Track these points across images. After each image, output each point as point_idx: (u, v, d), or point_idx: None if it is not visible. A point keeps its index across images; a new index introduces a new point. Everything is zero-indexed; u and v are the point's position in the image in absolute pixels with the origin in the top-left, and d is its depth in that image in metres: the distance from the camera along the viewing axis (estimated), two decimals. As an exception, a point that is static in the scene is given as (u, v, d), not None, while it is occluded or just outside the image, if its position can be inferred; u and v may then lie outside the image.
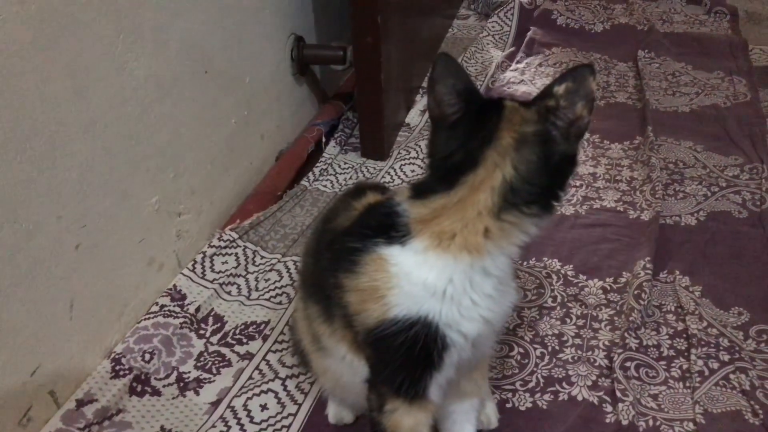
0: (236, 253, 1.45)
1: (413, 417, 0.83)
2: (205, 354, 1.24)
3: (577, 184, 1.65)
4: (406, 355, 0.79)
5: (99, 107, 1.12)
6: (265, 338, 1.27)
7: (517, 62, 2.27)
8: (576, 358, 1.20)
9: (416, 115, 2.00)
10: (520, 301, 1.31)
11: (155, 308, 1.29)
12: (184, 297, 1.33)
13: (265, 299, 1.36)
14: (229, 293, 1.37)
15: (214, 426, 1.10)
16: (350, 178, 1.74)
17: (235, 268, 1.41)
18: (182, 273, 1.37)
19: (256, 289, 1.38)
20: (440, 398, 0.84)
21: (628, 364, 1.17)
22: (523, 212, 0.76)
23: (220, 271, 1.40)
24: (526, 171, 0.75)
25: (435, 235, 0.77)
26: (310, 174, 1.74)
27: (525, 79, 2.16)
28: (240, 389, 1.17)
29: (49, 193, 1.04)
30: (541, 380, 1.16)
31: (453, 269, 0.77)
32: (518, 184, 0.75)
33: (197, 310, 1.30)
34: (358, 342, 0.84)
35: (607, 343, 1.22)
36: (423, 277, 0.78)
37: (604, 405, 1.11)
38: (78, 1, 1.05)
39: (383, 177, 1.73)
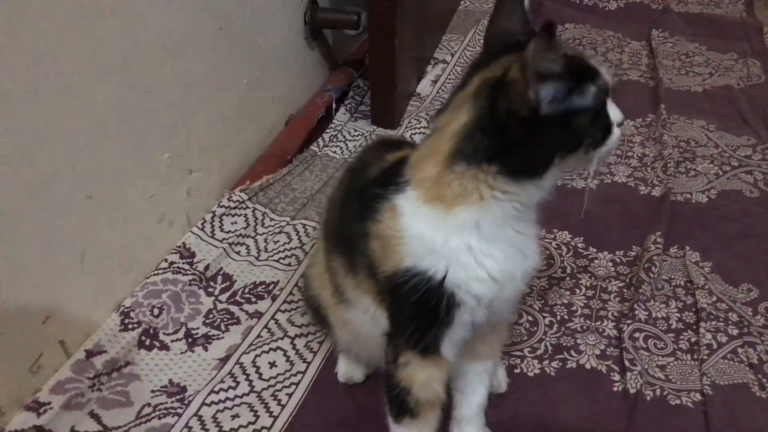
0: (245, 214, 1.44)
1: (426, 371, 0.83)
2: (214, 311, 1.24)
3: (589, 158, 1.64)
4: (419, 309, 0.79)
5: (114, 57, 1.11)
6: (274, 298, 1.27)
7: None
8: (585, 327, 1.20)
9: (427, 86, 1.98)
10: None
11: (164, 264, 1.28)
12: (193, 255, 1.32)
13: (275, 260, 1.35)
14: (238, 253, 1.36)
15: (222, 381, 1.10)
16: (360, 145, 1.73)
17: (245, 228, 1.41)
18: (191, 231, 1.36)
19: (266, 250, 1.37)
20: (454, 356, 0.84)
21: (636, 334, 1.17)
22: (482, 168, 0.74)
23: (229, 231, 1.39)
24: (477, 121, 0.74)
25: (420, 182, 0.78)
26: (320, 139, 1.73)
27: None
28: (249, 346, 1.17)
29: (63, 141, 1.03)
30: (550, 348, 1.16)
31: (443, 223, 0.77)
32: (471, 134, 0.74)
33: (206, 268, 1.30)
34: (381, 293, 0.84)
35: (616, 314, 1.22)
36: (420, 229, 0.78)
37: (611, 374, 1.11)
38: (96, -54, 1.03)
39: (394, 145, 1.72)
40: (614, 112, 0.76)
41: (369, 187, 0.84)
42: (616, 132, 0.76)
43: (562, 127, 0.72)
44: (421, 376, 0.83)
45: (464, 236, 0.77)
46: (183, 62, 1.29)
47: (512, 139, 0.73)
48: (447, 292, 0.77)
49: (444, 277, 0.77)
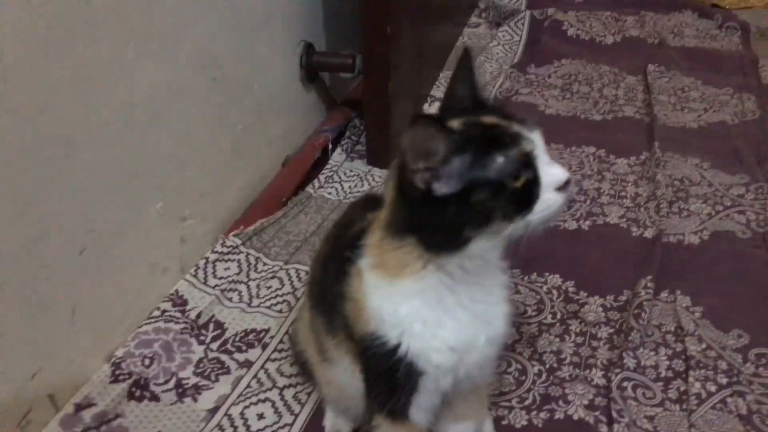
0: (239, 260, 1.46)
1: None
2: (205, 360, 1.25)
3: (581, 199, 1.65)
4: (384, 373, 0.80)
5: (107, 113, 1.14)
6: (264, 346, 1.28)
7: (527, 73, 2.26)
8: (573, 376, 1.20)
9: (423, 124, 2.00)
10: (520, 317, 1.31)
11: (157, 313, 1.30)
12: (185, 302, 1.34)
13: (266, 307, 1.36)
14: (230, 300, 1.37)
15: (210, 433, 1.11)
16: (355, 186, 1.75)
17: (237, 274, 1.42)
18: (184, 278, 1.38)
19: (257, 296, 1.39)
20: (428, 421, 0.85)
21: (625, 384, 1.17)
22: (403, 239, 0.76)
23: (222, 277, 1.41)
24: (393, 192, 0.76)
25: (370, 248, 0.80)
26: (315, 181, 1.75)
27: (533, 90, 2.17)
28: (238, 397, 1.18)
29: (56, 198, 1.05)
30: (538, 398, 1.16)
31: (390, 291, 0.78)
32: (397, 205, 0.76)
33: (198, 315, 1.31)
34: (358, 354, 0.85)
35: (605, 362, 1.22)
36: (374, 296, 0.79)
37: (599, 425, 1.11)
38: (88, 8, 1.06)
39: (388, 186, 1.74)
40: (550, 175, 0.72)
41: (347, 247, 0.86)
42: (549, 197, 0.72)
43: (462, 203, 0.71)
44: None
45: (412, 305, 0.78)
46: (177, 113, 1.32)
47: (419, 214, 0.74)
48: (406, 360, 0.78)
49: (401, 346, 0.78)
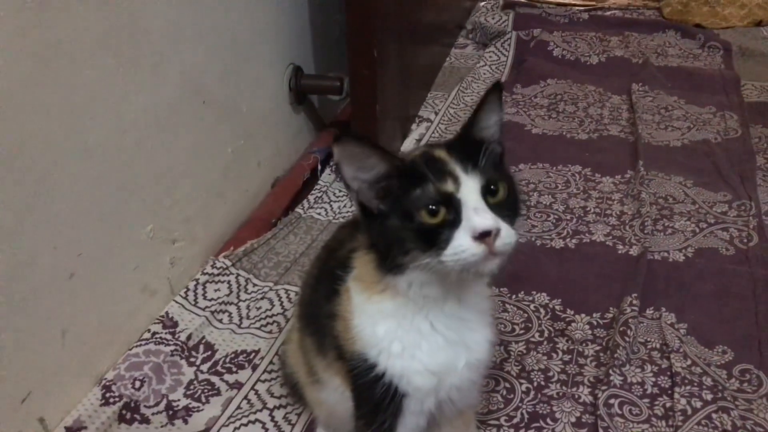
0: (229, 281, 1.47)
1: None
2: (195, 382, 1.25)
3: (568, 217, 1.68)
4: (369, 394, 0.81)
5: (97, 138, 1.15)
6: (254, 367, 1.28)
7: (513, 93, 2.30)
8: (561, 394, 1.21)
9: (411, 144, 2.02)
10: (508, 335, 1.33)
11: (147, 335, 1.31)
12: (176, 324, 1.34)
13: (256, 328, 1.37)
14: (220, 321, 1.38)
15: (201, 456, 1.11)
16: (345, 206, 1.76)
17: (227, 295, 1.43)
18: (175, 300, 1.39)
19: (248, 317, 1.39)
20: None
21: (612, 401, 1.18)
22: (371, 254, 0.78)
23: (212, 299, 1.42)
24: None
25: (357, 265, 0.82)
26: (305, 201, 1.76)
27: (519, 110, 2.20)
28: (228, 419, 1.18)
29: (45, 223, 1.06)
30: (526, 416, 1.17)
31: (368, 309, 0.80)
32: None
33: (188, 337, 1.32)
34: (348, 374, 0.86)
35: (592, 379, 1.24)
36: (357, 313, 0.81)
37: (587, 442, 1.12)
38: (78, 35, 1.08)
39: (377, 206, 1.76)
40: (469, 220, 0.70)
41: (337, 266, 0.87)
42: (462, 243, 0.69)
43: (386, 226, 0.74)
44: None
45: (389, 325, 0.79)
46: (167, 137, 1.33)
47: (372, 232, 0.77)
48: (386, 381, 0.80)
49: (380, 366, 0.80)
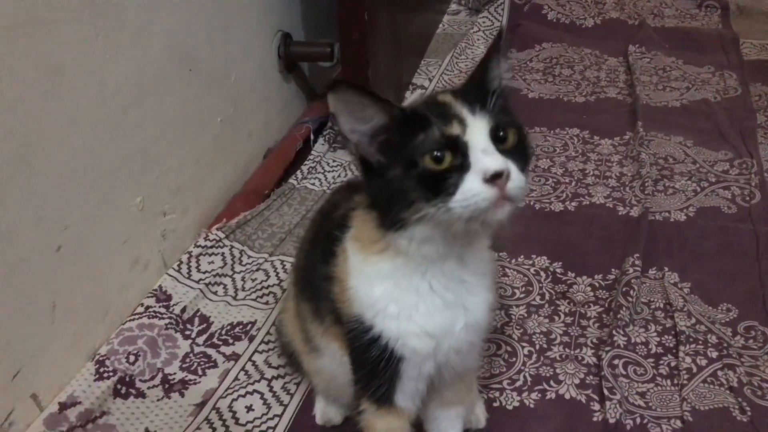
0: (222, 253, 1.44)
1: (384, 421, 0.82)
2: (191, 355, 1.23)
3: (567, 180, 1.65)
4: (366, 357, 0.78)
5: (78, 107, 1.11)
6: (251, 339, 1.26)
7: (508, 58, 2.25)
8: (564, 356, 1.19)
9: (406, 112, 1.98)
10: (509, 299, 1.30)
11: (140, 309, 1.28)
12: (169, 298, 1.31)
13: (252, 299, 1.34)
14: (215, 293, 1.35)
15: (198, 428, 1.09)
16: (339, 176, 1.73)
17: (222, 267, 1.40)
18: (168, 273, 1.36)
19: (243, 289, 1.37)
20: (415, 406, 0.84)
21: (616, 361, 1.16)
22: (371, 212, 0.75)
23: (206, 271, 1.39)
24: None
25: (355, 224, 0.79)
26: (298, 172, 1.73)
27: (515, 74, 2.16)
28: (225, 390, 1.16)
29: (27, 195, 1.02)
30: (529, 379, 1.15)
31: (366, 269, 0.77)
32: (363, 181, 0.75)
33: (183, 310, 1.29)
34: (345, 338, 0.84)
35: (595, 340, 1.22)
36: (354, 274, 0.78)
37: (591, 403, 1.10)
38: (53, 1, 1.04)
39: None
40: (478, 162, 0.66)
41: (334, 227, 0.84)
42: (472, 187, 0.65)
43: (390, 178, 0.69)
44: (380, 425, 0.82)
45: (386, 286, 0.76)
46: (152, 106, 1.29)
47: (372, 188, 0.73)
48: (382, 343, 0.77)
49: (376, 328, 0.77)
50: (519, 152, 0.70)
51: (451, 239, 0.73)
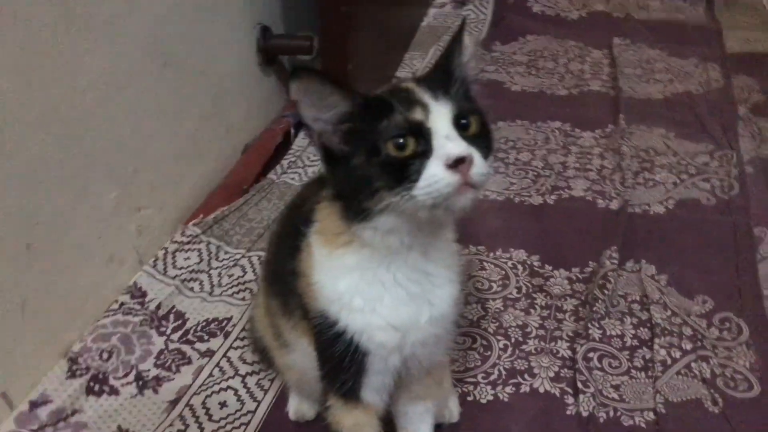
0: (199, 249, 1.43)
1: (352, 416, 0.82)
2: (166, 352, 1.22)
3: (547, 173, 1.64)
4: (331, 352, 0.77)
5: (49, 101, 1.10)
6: (226, 335, 1.25)
7: (492, 50, 2.25)
8: (539, 349, 1.19)
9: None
10: (485, 293, 1.30)
11: (115, 306, 1.27)
12: (144, 294, 1.31)
13: (228, 295, 1.34)
14: (191, 290, 1.35)
15: (171, 425, 1.08)
16: (319, 170, 1.72)
17: (198, 264, 1.39)
18: (143, 270, 1.35)
19: (219, 285, 1.36)
20: (382, 401, 0.83)
21: (591, 354, 1.16)
22: (335, 204, 0.74)
23: (182, 267, 1.38)
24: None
25: (319, 212, 0.78)
26: (278, 167, 1.72)
27: (499, 67, 2.15)
28: (199, 387, 1.15)
29: (-6, 190, 1.01)
30: (504, 372, 1.15)
31: (330, 263, 0.76)
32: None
33: (158, 307, 1.28)
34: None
35: (570, 333, 1.21)
36: (318, 269, 0.77)
37: (565, 396, 1.10)
38: (22, -8, 1.02)
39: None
40: (441, 148, 0.65)
41: (301, 223, 0.83)
42: (435, 173, 0.65)
43: (352, 167, 0.69)
44: (347, 420, 0.82)
45: (351, 279, 0.76)
46: (127, 100, 1.28)
47: (336, 178, 0.73)
48: (347, 338, 0.76)
49: (341, 322, 0.76)
50: (482, 139, 0.70)
51: (416, 229, 0.73)
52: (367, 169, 0.67)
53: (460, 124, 0.68)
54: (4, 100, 1.01)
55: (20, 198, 1.06)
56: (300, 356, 0.91)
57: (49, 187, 1.12)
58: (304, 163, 1.75)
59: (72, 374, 1.14)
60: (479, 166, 0.66)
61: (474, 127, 0.69)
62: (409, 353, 0.80)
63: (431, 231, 0.76)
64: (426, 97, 0.68)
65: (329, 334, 0.77)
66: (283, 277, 0.85)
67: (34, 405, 1.08)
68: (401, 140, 0.66)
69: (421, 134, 0.66)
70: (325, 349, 0.80)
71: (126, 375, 1.17)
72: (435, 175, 0.65)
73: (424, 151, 0.66)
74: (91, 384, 1.14)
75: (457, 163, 0.65)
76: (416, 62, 2.21)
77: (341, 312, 0.77)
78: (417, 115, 0.67)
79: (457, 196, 0.66)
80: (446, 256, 0.80)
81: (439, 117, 0.67)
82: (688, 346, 1.17)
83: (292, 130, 1.82)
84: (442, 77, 0.72)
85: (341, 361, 0.78)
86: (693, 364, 1.13)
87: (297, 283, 0.82)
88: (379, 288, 0.76)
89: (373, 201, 0.68)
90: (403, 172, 0.66)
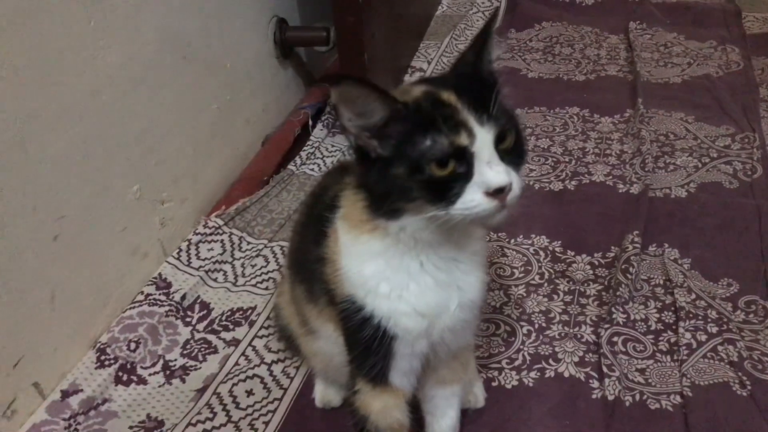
0: (222, 240, 1.44)
1: (380, 400, 0.82)
2: (192, 341, 1.23)
3: (566, 159, 1.63)
4: (359, 337, 0.78)
5: (71, 96, 1.11)
6: (251, 324, 1.26)
7: (507, 38, 2.23)
8: (563, 334, 1.19)
9: (404, 95, 1.97)
10: (508, 279, 1.30)
11: (140, 297, 1.29)
12: (169, 285, 1.32)
13: (252, 285, 1.35)
14: (215, 280, 1.36)
15: (200, 413, 1.10)
16: (337, 161, 1.73)
17: (221, 254, 1.41)
18: (167, 261, 1.37)
19: (243, 275, 1.37)
20: (410, 385, 0.84)
21: (615, 339, 1.16)
22: (361, 193, 0.74)
23: (205, 258, 1.39)
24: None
25: (345, 204, 0.78)
26: (297, 158, 1.72)
27: (515, 54, 2.14)
28: (226, 375, 1.16)
29: (21, 185, 1.03)
30: (528, 358, 1.15)
31: (356, 249, 0.76)
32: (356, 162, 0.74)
33: (183, 297, 1.30)
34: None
35: (594, 318, 1.21)
36: (345, 254, 0.77)
37: (590, 381, 1.10)
38: (43, -13, 1.04)
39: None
40: (482, 175, 0.66)
41: (325, 209, 0.84)
42: (473, 198, 0.66)
43: (390, 172, 0.69)
44: (376, 405, 0.82)
45: (377, 265, 0.76)
46: (147, 94, 1.29)
47: (366, 174, 0.72)
48: (374, 323, 0.77)
49: (367, 307, 0.76)
50: (516, 150, 0.70)
51: (447, 231, 0.74)
52: (408, 182, 0.68)
53: (498, 142, 0.69)
54: (26, 96, 1.02)
55: (46, 192, 1.07)
56: (326, 342, 0.92)
57: (74, 181, 1.13)
58: (322, 154, 1.76)
59: (101, 364, 1.16)
60: (516, 188, 0.67)
61: (509, 140, 0.70)
62: (437, 338, 0.80)
63: (465, 232, 0.77)
64: (470, 119, 0.67)
65: (356, 318, 0.78)
66: (309, 263, 0.86)
67: (65, 394, 1.10)
68: (444, 161, 0.67)
69: (464, 157, 0.67)
70: (352, 334, 0.80)
71: (153, 365, 1.19)
72: (473, 200, 0.67)
73: (466, 173, 0.67)
74: (120, 374, 1.16)
75: (497, 192, 0.66)
76: (431, 51, 2.20)
77: (368, 297, 0.77)
78: (463, 140, 0.67)
79: (492, 216, 0.68)
80: (473, 243, 0.81)
81: (483, 142, 0.67)
82: (714, 330, 1.16)
83: (310, 122, 1.82)
84: (478, 85, 0.71)
85: (369, 345, 0.78)
86: (719, 348, 1.13)
87: (322, 269, 0.83)
88: (404, 275, 0.77)
89: (410, 206, 0.69)
90: (443, 190, 0.67)
